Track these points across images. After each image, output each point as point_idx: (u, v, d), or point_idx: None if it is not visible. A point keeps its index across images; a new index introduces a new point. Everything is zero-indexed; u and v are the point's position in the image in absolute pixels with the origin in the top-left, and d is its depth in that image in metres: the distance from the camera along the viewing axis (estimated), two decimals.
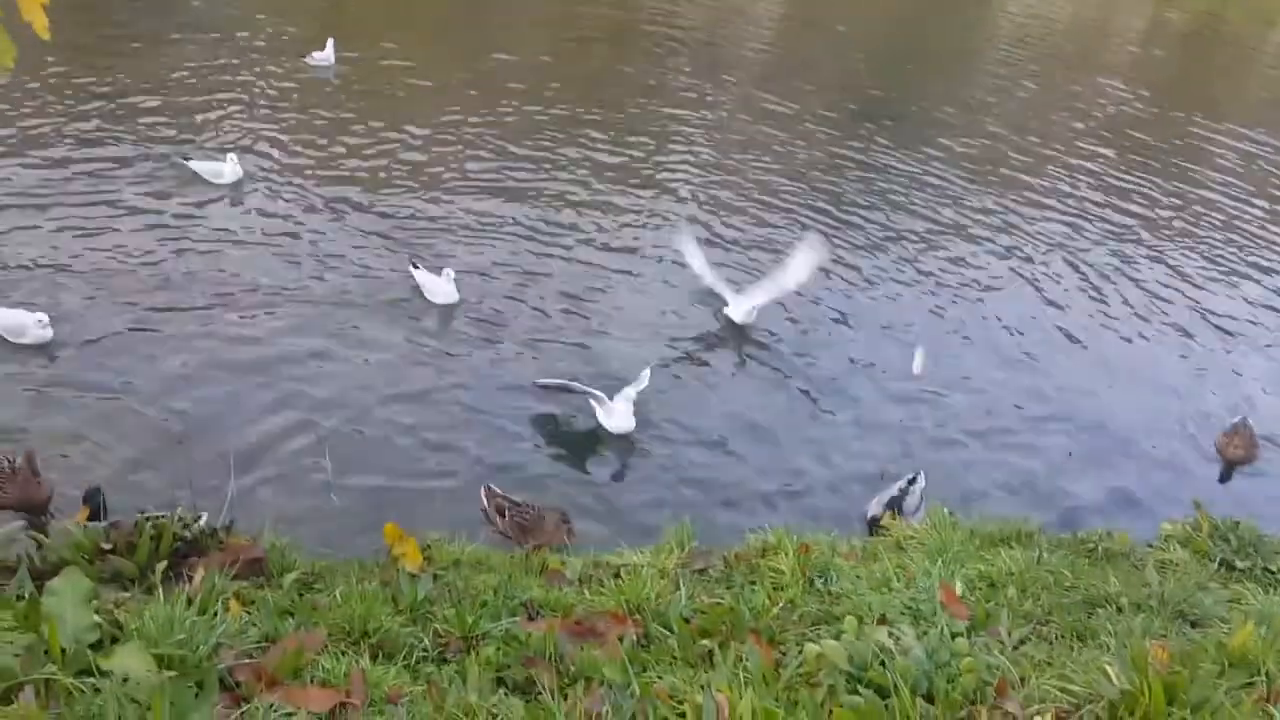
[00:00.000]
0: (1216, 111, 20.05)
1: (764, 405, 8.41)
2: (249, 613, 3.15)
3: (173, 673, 2.50)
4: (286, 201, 10.66)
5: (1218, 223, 14.05)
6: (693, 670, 2.99)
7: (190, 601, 2.90)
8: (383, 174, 11.69)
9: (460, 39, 18.21)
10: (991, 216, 13.01)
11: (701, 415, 8.11)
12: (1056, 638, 3.47)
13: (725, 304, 9.47)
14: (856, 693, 2.65)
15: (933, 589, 3.63)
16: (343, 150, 12.18)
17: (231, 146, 11.39)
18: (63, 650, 2.48)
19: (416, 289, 9.07)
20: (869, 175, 13.99)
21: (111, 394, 7.28)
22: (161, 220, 9.90)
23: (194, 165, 10.61)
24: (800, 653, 2.92)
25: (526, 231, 10.73)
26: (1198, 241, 13.26)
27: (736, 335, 9.32)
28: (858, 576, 4.00)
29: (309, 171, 11.46)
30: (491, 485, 6.46)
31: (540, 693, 2.82)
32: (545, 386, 7.82)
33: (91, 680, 2.42)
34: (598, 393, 7.56)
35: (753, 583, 3.94)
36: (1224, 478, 8.34)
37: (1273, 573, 4.41)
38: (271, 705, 2.53)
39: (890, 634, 2.89)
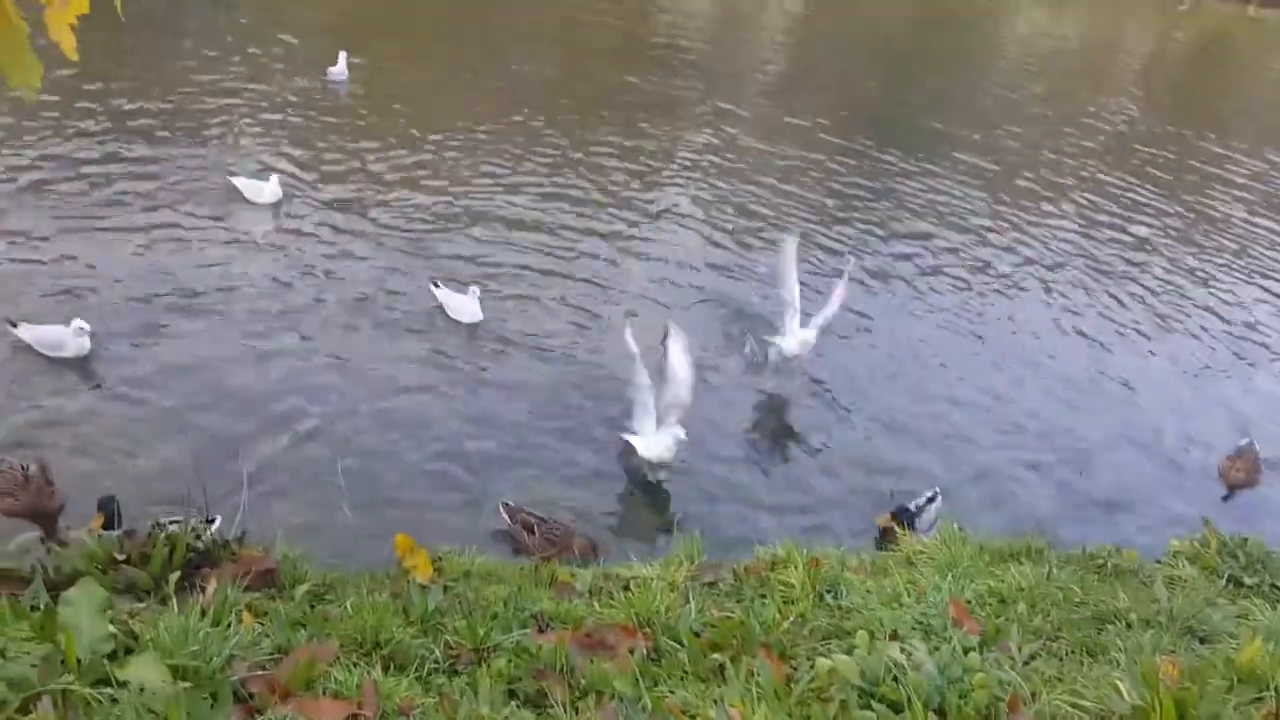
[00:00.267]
0: (1225, 130, 20.08)
1: (772, 420, 8.42)
2: (262, 624, 3.14)
3: (187, 684, 2.50)
4: (315, 220, 10.79)
5: (1228, 242, 14.05)
6: (704, 684, 2.98)
7: (204, 613, 2.90)
8: (405, 191, 11.82)
9: (463, 45, 18.34)
10: (1005, 235, 13.06)
11: (711, 429, 8.11)
12: (1067, 653, 3.45)
13: (776, 333, 8.77)
14: (869, 708, 2.65)
15: (943, 604, 3.63)
16: (360, 165, 12.35)
17: (260, 166, 11.54)
18: (79, 660, 2.48)
19: (438, 306, 9.11)
20: (882, 190, 14.03)
21: (132, 404, 7.35)
22: (194, 235, 10.02)
23: (238, 182, 10.73)
24: (812, 667, 2.91)
25: (543, 244, 10.83)
26: (1205, 260, 13.26)
27: (748, 351, 9.31)
28: (868, 591, 3.98)
29: (333, 189, 11.61)
30: (508, 501, 6.45)
31: (552, 706, 2.81)
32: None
33: (108, 690, 2.43)
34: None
35: (763, 596, 3.92)
36: (1227, 500, 8.27)
37: None
38: (285, 717, 2.53)
39: (902, 649, 2.89)
